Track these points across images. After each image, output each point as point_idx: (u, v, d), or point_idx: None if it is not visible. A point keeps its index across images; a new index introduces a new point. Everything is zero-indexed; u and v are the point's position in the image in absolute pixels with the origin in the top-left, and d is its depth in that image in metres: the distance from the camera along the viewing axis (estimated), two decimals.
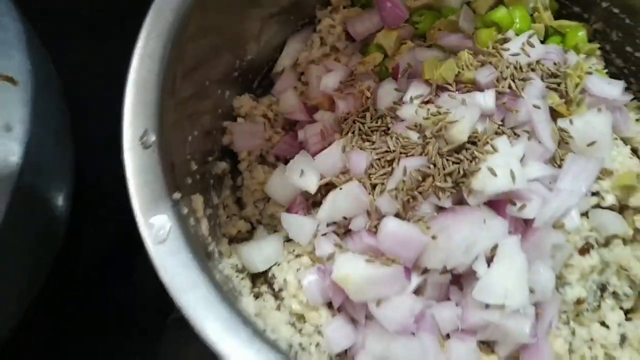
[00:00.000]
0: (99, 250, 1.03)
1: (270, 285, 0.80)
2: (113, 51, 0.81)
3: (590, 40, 0.91)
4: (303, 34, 0.96)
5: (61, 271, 0.93)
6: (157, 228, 0.59)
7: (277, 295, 0.79)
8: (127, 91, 0.65)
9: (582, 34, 0.87)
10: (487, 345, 0.74)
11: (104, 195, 1.05)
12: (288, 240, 0.81)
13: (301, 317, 0.76)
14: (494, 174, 0.68)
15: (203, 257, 0.63)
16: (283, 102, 0.89)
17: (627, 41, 0.89)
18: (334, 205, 0.75)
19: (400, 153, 0.74)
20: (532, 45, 0.79)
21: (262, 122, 0.88)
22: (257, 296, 0.79)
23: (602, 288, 0.76)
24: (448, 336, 0.72)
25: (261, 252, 0.79)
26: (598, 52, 0.90)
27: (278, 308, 0.76)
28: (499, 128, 0.74)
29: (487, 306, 0.69)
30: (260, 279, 0.82)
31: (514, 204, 0.70)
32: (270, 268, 0.80)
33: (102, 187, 1.06)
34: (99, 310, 0.99)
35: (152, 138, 0.63)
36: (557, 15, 0.92)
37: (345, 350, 0.75)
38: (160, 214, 0.60)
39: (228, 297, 0.60)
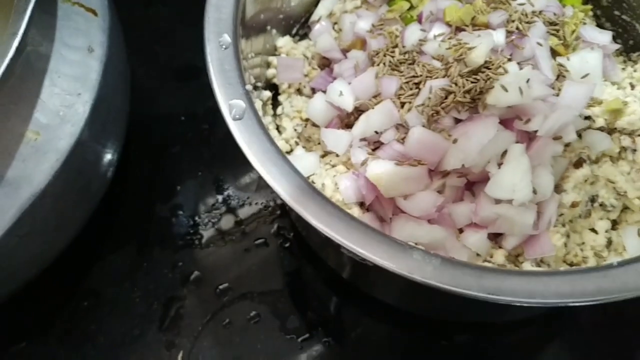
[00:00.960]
0: (140, 178, 1.15)
1: None
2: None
3: (585, 3, 1.07)
4: None
5: (112, 195, 1.05)
6: (234, 109, 0.72)
7: None
8: (208, 6, 0.78)
9: None
10: (495, 242, 0.87)
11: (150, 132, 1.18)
12: (324, 156, 0.95)
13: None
14: (506, 90, 0.82)
15: (271, 135, 0.75)
16: (320, 43, 1.02)
17: (614, 6, 1.05)
18: (368, 121, 0.88)
19: (426, 76, 0.88)
20: None
21: (302, 58, 1.02)
22: None
23: (593, 199, 0.90)
24: (462, 232, 0.86)
25: (302, 161, 0.91)
26: (590, 14, 1.05)
27: None
28: (508, 60, 0.88)
29: (497, 202, 0.82)
30: None
31: (521, 119, 0.84)
32: (309, 177, 0.92)
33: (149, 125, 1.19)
34: (146, 227, 1.11)
35: (229, 40, 0.76)
36: None
37: None
38: (236, 99, 0.73)
39: (292, 164, 0.72)
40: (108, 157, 0.97)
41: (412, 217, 0.82)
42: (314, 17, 1.09)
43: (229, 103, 0.72)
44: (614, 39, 1.06)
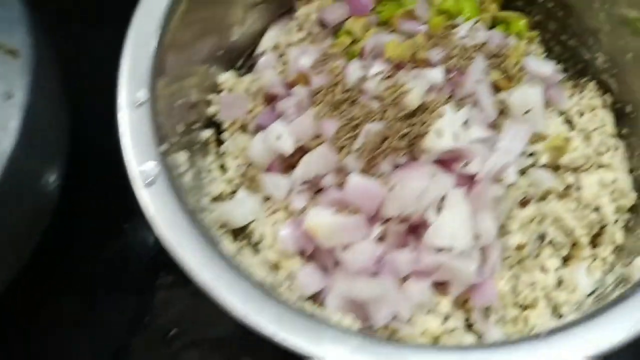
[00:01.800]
0: (92, 215, 1.12)
1: (249, 239, 0.90)
2: (107, 32, 0.92)
3: (532, 30, 1.04)
4: (282, 21, 1.08)
5: (54, 234, 1.02)
6: (145, 174, 0.70)
7: (255, 248, 0.90)
8: (122, 59, 0.75)
9: (523, 22, 1.00)
10: (440, 289, 0.85)
11: (96, 164, 1.15)
12: (266, 200, 0.92)
13: (276, 266, 0.87)
14: (440, 135, 0.80)
15: (186, 202, 0.73)
16: (264, 78, 0.99)
17: (561, 31, 1.03)
18: (308, 165, 0.86)
19: (364, 119, 0.85)
20: (477, 30, 0.92)
21: (245, 95, 0.99)
22: (236, 253, 0.89)
23: (541, 238, 0.88)
24: (405, 280, 0.84)
25: (241, 208, 0.89)
26: (538, 39, 1.03)
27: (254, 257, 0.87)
28: (448, 99, 0.86)
29: (438, 249, 0.80)
30: (240, 235, 0.92)
31: (460, 161, 0.82)
32: (249, 224, 0.90)
33: (95, 158, 1.15)
34: (91, 271, 1.08)
35: (144, 98, 0.73)
36: (503, 8, 1.05)
37: (316, 295, 0.85)
38: (148, 162, 0.70)
39: (209, 235, 0.70)
40: (45, 195, 0.94)
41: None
42: (259, 49, 1.07)
43: (140, 169, 0.70)
44: (564, 63, 1.05)
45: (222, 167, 0.98)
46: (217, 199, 0.93)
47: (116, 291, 1.06)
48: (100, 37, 1.22)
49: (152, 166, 0.70)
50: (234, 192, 0.96)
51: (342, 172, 0.85)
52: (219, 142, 0.99)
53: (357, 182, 0.81)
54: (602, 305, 0.71)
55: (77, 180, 1.06)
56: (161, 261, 1.09)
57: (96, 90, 1.20)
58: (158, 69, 0.77)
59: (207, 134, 0.96)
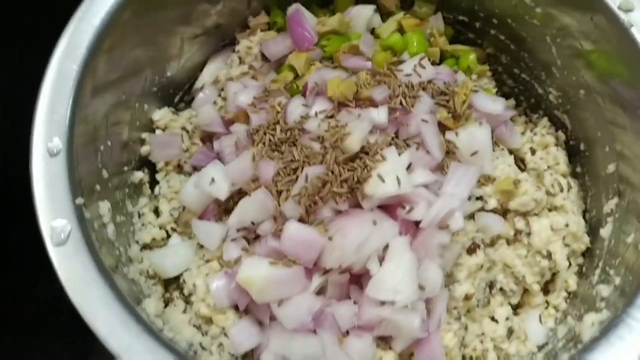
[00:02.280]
0: (22, 252, 1.04)
1: (181, 291, 0.84)
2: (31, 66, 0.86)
3: (484, 63, 1.01)
4: (223, 54, 1.02)
5: None
6: (57, 231, 0.63)
7: (187, 300, 0.83)
8: (39, 102, 0.69)
9: (472, 57, 0.97)
10: (384, 342, 0.79)
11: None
12: (201, 247, 0.86)
13: (209, 320, 0.81)
14: (383, 180, 0.75)
15: (106, 260, 0.66)
16: (201, 115, 0.94)
17: (514, 64, 0.99)
18: (243, 211, 0.80)
19: (304, 162, 0.80)
20: (423, 67, 0.87)
21: (180, 133, 0.93)
22: (167, 302, 0.83)
23: (491, 285, 0.84)
24: (348, 333, 0.78)
25: (172, 258, 0.83)
26: (489, 73, 1.00)
27: (185, 311, 0.80)
28: (392, 140, 0.81)
29: (381, 303, 0.75)
30: (172, 285, 0.86)
31: (404, 207, 0.77)
32: (181, 274, 0.84)
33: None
34: (21, 312, 1.01)
35: (60, 146, 0.67)
36: (454, 41, 1.01)
37: (252, 351, 0.79)
38: (61, 218, 0.64)
39: (125, 297, 0.64)
40: None
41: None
42: (198, 84, 1.01)
43: (52, 225, 0.63)
44: (516, 97, 1.01)
45: (156, 211, 0.92)
46: (149, 246, 0.86)
47: (47, 335, 0.99)
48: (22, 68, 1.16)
49: (64, 223, 0.64)
50: (167, 237, 0.90)
51: (280, 219, 0.80)
52: (153, 184, 0.93)
53: (294, 230, 0.76)
54: None
55: (8, 216, 0.99)
56: None
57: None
58: (78, 113, 0.71)
59: (140, 175, 0.89)
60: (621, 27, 0.75)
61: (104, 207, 0.74)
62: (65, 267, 0.62)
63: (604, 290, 0.75)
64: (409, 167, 0.78)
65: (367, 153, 0.78)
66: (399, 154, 0.78)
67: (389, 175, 0.75)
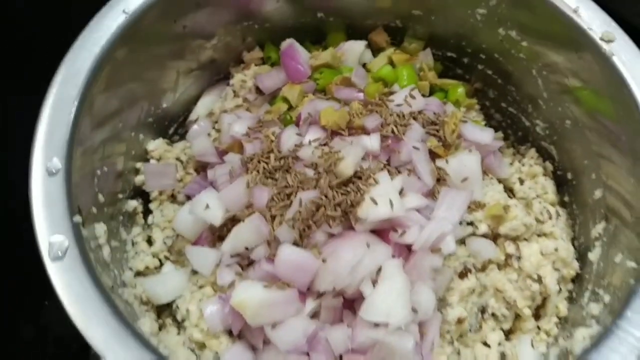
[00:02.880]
0: (9, 290, 1.04)
1: (174, 317, 0.84)
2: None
3: (473, 97, 1.04)
4: (218, 88, 1.05)
5: None
6: (55, 246, 0.64)
7: (179, 327, 0.83)
8: (39, 124, 0.71)
9: (461, 90, 1.00)
10: None
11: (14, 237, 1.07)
12: (194, 274, 0.86)
13: (202, 345, 0.80)
14: (375, 203, 0.76)
15: (101, 277, 0.66)
16: (196, 146, 0.95)
17: (501, 98, 1.03)
18: (238, 236, 0.81)
19: (298, 187, 0.81)
20: (413, 97, 0.90)
21: (174, 163, 0.94)
22: (160, 327, 0.83)
23: (483, 310, 0.84)
24: (341, 358, 0.78)
25: (165, 284, 0.83)
26: (477, 107, 1.03)
27: (178, 334, 0.80)
28: (384, 166, 0.83)
29: (375, 325, 0.75)
30: (165, 312, 0.86)
31: (396, 231, 0.78)
32: (174, 300, 0.84)
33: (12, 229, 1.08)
34: (7, 353, 0.99)
35: (59, 166, 0.68)
36: (442, 76, 1.05)
37: None
38: (58, 234, 0.64)
39: (122, 312, 0.64)
40: None
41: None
42: (192, 116, 1.03)
43: (50, 240, 0.64)
44: (504, 130, 1.04)
45: (149, 240, 0.92)
46: (142, 273, 0.86)
47: None
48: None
49: (61, 238, 0.64)
50: (160, 266, 0.90)
51: (274, 244, 0.80)
52: (147, 213, 0.93)
53: (288, 253, 0.77)
54: None
55: None
56: (84, 342, 1.00)
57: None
58: (76, 137, 0.72)
59: (134, 204, 0.90)
60: (603, 56, 0.78)
61: (100, 229, 0.75)
62: (62, 281, 0.62)
63: (594, 308, 0.76)
64: (401, 192, 0.80)
65: (360, 177, 0.80)
66: (392, 179, 0.80)
67: (382, 198, 0.76)
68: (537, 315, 0.86)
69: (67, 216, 0.66)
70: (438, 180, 0.85)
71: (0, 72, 1.16)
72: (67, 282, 0.62)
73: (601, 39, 0.79)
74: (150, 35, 0.86)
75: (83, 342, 1.00)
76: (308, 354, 0.76)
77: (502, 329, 0.86)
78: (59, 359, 1.01)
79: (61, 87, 0.76)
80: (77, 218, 0.67)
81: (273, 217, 0.81)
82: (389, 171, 0.82)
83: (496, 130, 1.04)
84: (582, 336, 0.72)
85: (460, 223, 0.83)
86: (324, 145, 0.86)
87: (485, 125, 1.04)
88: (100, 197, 0.79)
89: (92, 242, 0.72)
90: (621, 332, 0.63)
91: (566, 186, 0.95)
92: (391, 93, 0.93)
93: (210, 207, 0.83)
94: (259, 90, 1.03)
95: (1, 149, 1.08)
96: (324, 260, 0.76)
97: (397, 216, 0.77)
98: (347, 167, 0.79)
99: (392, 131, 0.85)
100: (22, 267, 1.03)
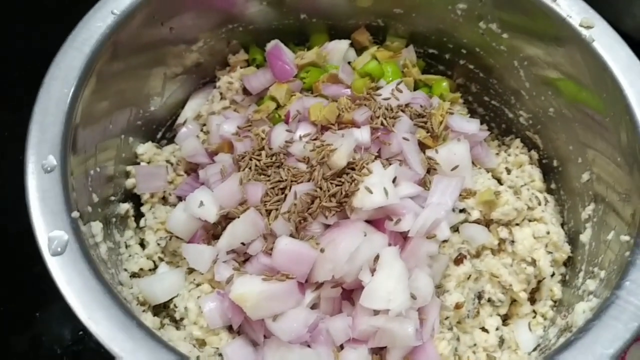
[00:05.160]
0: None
1: (172, 317, 0.83)
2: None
3: (455, 92, 1.06)
4: (204, 91, 1.05)
5: None
6: (54, 242, 0.63)
7: (178, 325, 0.82)
8: (32, 121, 0.70)
9: (445, 84, 1.02)
10: (379, 357, 0.79)
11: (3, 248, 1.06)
12: (189, 273, 0.86)
13: (202, 342, 0.79)
14: (370, 192, 0.77)
15: (100, 271, 0.66)
16: (186, 148, 0.95)
17: (484, 92, 1.05)
18: (233, 232, 0.81)
19: (292, 181, 0.82)
20: (400, 91, 0.92)
21: (165, 165, 0.94)
22: (158, 328, 0.82)
23: (479, 296, 0.85)
24: (342, 347, 0.78)
25: (162, 283, 0.83)
26: (461, 101, 1.05)
27: (178, 329, 0.79)
28: (375, 158, 0.84)
29: (374, 312, 0.75)
30: (162, 312, 0.85)
31: (391, 219, 0.79)
32: (171, 300, 0.83)
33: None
34: None
35: (54, 163, 0.68)
36: (425, 73, 1.06)
37: None
38: (58, 230, 0.64)
39: (124, 304, 0.63)
40: None
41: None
42: (180, 119, 1.03)
43: (49, 235, 0.63)
44: (488, 123, 1.06)
45: (142, 243, 0.91)
46: (137, 275, 0.86)
47: None
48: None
49: (60, 234, 0.64)
50: (154, 268, 0.89)
51: (270, 238, 0.80)
52: (138, 216, 0.93)
53: (286, 245, 0.77)
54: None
55: None
56: (76, 352, 0.99)
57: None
58: (69, 135, 0.72)
59: (126, 207, 0.89)
60: (583, 43, 0.81)
61: (97, 227, 0.74)
62: (63, 275, 0.61)
63: (591, 285, 0.77)
64: (394, 182, 0.81)
65: (353, 168, 0.81)
66: (385, 169, 0.81)
67: (377, 187, 0.77)
68: (532, 299, 0.87)
69: (66, 212, 0.65)
70: (428, 170, 0.87)
71: None
72: (68, 276, 0.61)
73: (580, 25, 0.81)
74: (138, 37, 0.86)
75: (75, 354, 0.99)
76: (309, 346, 0.76)
77: (498, 315, 0.86)
78: None
79: (52, 86, 0.75)
80: (76, 213, 0.67)
81: (268, 212, 0.81)
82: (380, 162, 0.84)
83: (480, 124, 1.06)
84: (582, 310, 0.73)
85: (453, 210, 0.84)
86: (315, 140, 0.87)
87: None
88: (94, 197, 0.78)
89: (90, 239, 0.71)
90: (621, 302, 0.64)
91: (552, 173, 0.97)
92: (378, 88, 0.94)
93: (205, 204, 0.83)
94: (245, 92, 1.03)
95: None
96: (322, 250, 0.76)
97: (392, 204, 0.77)
98: (340, 158, 0.80)
99: (382, 123, 0.86)
100: (13, 279, 1.03)
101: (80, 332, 1.00)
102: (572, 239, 0.90)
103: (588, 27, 0.80)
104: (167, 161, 0.96)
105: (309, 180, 0.81)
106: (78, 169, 0.74)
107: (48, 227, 0.64)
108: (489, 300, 0.85)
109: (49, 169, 0.67)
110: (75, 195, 0.69)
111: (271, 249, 0.79)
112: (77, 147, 0.74)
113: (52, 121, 0.71)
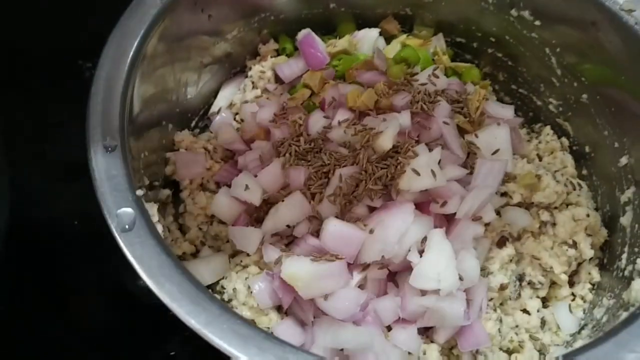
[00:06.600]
0: (33, 293, 1.01)
1: (221, 297, 0.83)
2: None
3: (482, 79, 1.07)
4: (235, 80, 1.06)
5: None
6: (122, 219, 0.63)
7: (227, 306, 0.82)
8: (90, 103, 0.71)
9: (475, 71, 1.03)
10: (426, 337, 0.80)
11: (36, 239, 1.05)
12: (233, 256, 0.86)
13: (252, 323, 0.79)
14: (418, 174, 0.78)
15: (167, 246, 0.66)
16: (222, 135, 0.96)
17: (511, 80, 1.06)
18: (278, 215, 0.81)
19: (335, 165, 0.83)
20: (437, 77, 0.93)
21: (203, 152, 0.95)
22: None
23: (520, 278, 0.86)
24: (390, 329, 0.79)
25: (209, 265, 0.83)
26: (490, 89, 1.06)
27: None
28: (416, 143, 0.85)
29: (423, 293, 0.76)
30: None
31: (437, 202, 0.80)
32: (217, 282, 0.83)
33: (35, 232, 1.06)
34: (33, 353, 0.96)
35: (115, 143, 0.68)
36: (452, 61, 1.07)
37: None
38: (125, 207, 0.64)
39: (195, 279, 0.63)
40: None
41: (336, 319, 0.74)
42: (214, 108, 1.04)
43: (117, 213, 0.63)
44: (515, 112, 1.07)
45: (182, 229, 0.91)
46: (180, 258, 0.86)
47: None
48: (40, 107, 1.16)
49: (129, 211, 0.64)
50: (197, 252, 0.89)
51: (315, 220, 0.81)
52: (176, 204, 0.93)
53: (335, 226, 0.78)
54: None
55: (16, 255, 0.96)
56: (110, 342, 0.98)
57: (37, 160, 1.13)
58: (125, 117, 0.72)
59: (167, 192, 0.89)
60: (625, 27, 0.82)
61: (153, 208, 0.74)
62: (134, 251, 0.62)
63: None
64: (439, 164, 0.82)
65: (397, 152, 0.82)
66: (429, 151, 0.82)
67: (424, 169, 0.78)
68: (570, 282, 0.88)
69: (130, 190, 0.66)
70: (468, 155, 0.88)
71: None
72: (138, 251, 0.62)
73: (621, 9, 0.82)
74: (181, 23, 0.87)
75: None
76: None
77: (538, 297, 0.88)
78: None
79: (108, 70, 0.75)
80: (140, 192, 0.67)
81: (313, 195, 0.82)
82: None
83: None
84: (638, 286, 0.74)
85: (495, 194, 0.85)
86: (354, 125, 0.88)
87: None
88: (146, 180, 0.79)
89: (151, 217, 0.71)
90: None
91: (583, 160, 0.98)
92: (414, 74, 0.95)
93: (250, 188, 0.84)
94: (277, 80, 1.04)
95: None
96: (371, 231, 0.77)
97: (439, 186, 0.78)
98: (385, 142, 0.81)
99: (422, 108, 0.87)
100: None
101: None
102: (608, 224, 0.91)
103: (630, 11, 0.82)
104: (204, 148, 0.96)
105: (352, 164, 0.82)
106: (134, 150, 0.74)
107: (115, 206, 0.64)
108: (529, 282, 0.86)
109: (110, 149, 0.67)
110: (136, 175, 0.70)
111: (317, 231, 0.80)
112: (133, 129, 0.75)
113: (110, 104, 0.71)
